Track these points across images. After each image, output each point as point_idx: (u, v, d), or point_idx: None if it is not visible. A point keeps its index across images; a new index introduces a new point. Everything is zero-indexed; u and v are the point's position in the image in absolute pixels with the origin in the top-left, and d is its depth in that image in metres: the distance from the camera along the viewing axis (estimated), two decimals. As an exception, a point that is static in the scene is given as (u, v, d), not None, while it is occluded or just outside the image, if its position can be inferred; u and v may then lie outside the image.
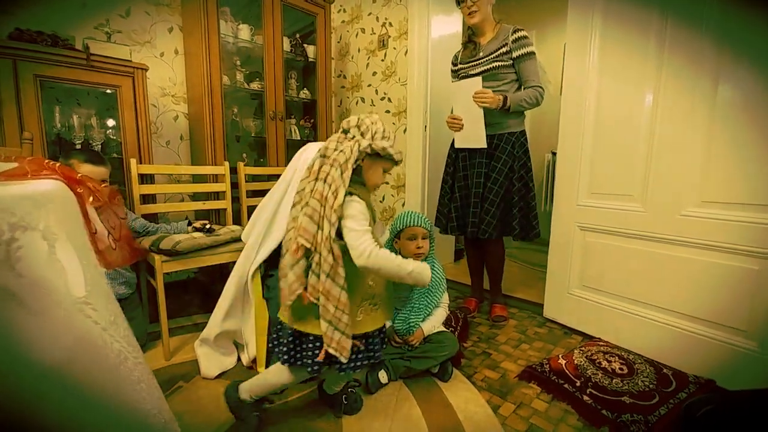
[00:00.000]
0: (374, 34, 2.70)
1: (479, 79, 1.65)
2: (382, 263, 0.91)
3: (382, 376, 1.33)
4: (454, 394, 1.28)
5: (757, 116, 1.19)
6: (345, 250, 0.92)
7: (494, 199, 1.72)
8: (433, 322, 1.46)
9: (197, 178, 2.23)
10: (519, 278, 2.45)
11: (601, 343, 1.55)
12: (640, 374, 1.29)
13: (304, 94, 2.62)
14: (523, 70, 1.68)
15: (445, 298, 1.53)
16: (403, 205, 2.59)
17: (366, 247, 0.91)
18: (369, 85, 2.78)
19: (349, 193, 0.93)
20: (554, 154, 2.68)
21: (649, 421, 1.08)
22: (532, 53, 1.66)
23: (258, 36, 2.31)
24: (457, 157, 1.86)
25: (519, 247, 3.28)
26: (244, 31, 2.30)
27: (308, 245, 0.90)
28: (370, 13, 2.72)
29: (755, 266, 1.22)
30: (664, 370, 1.31)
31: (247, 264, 1.41)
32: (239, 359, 1.46)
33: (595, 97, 1.62)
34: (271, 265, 1.45)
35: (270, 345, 1.29)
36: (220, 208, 2.02)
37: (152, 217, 1.85)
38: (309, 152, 1.45)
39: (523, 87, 1.70)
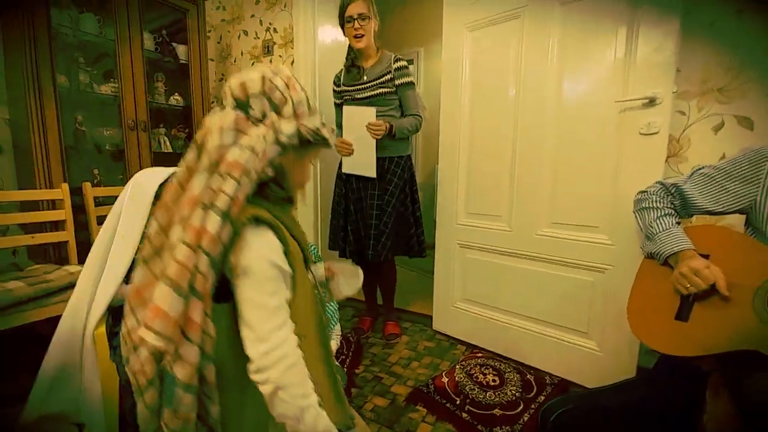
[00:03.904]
0: (258, 38, 2.51)
1: (374, 109, 1.66)
2: (289, 391, 0.54)
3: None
4: (342, 433, 1.24)
5: (586, 155, 1.41)
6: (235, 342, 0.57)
7: (387, 221, 1.74)
8: (323, 356, 1.40)
9: (27, 205, 1.70)
10: (412, 288, 2.53)
11: (479, 355, 1.68)
12: (509, 383, 1.43)
13: (176, 99, 2.30)
14: (404, 99, 1.73)
15: (337, 330, 1.49)
16: (296, 222, 2.47)
17: (275, 345, 0.54)
18: (254, 93, 2.57)
19: (254, 220, 0.57)
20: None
21: (514, 430, 1.19)
22: (412, 83, 1.73)
23: (108, 29, 1.94)
24: (348, 180, 1.83)
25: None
26: (89, 22, 1.90)
27: (162, 345, 0.51)
28: (252, 15, 2.52)
29: (590, 278, 1.44)
30: (528, 376, 1.48)
31: (77, 317, 1.15)
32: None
33: (468, 122, 1.75)
34: (117, 320, 1.22)
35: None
36: (60, 242, 1.64)
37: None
38: (144, 179, 1.24)
39: (404, 114, 1.75)
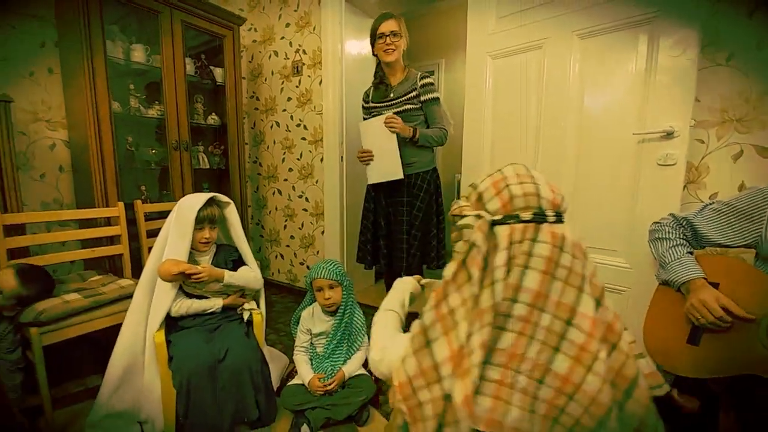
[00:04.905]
0: (288, 59, 2.65)
1: (383, 116, 1.72)
2: None
3: (305, 430, 1.34)
4: (372, 438, 1.35)
5: (605, 183, 1.47)
6: None
7: (416, 233, 1.81)
8: (354, 365, 1.52)
9: (85, 222, 1.87)
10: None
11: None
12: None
13: (213, 119, 2.46)
14: (429, 114, 1.80)
15: (365, 342, 1.60)
16: (323, 233, 2.60)
17: None
18: (284, 110, 2.72)
19: None
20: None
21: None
22: (437, 99, 1.80)
23: (155, 57, 2.11)
24: (378, 195, 1.92)
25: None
26: (138, 52, 2.07)
27: None
28: (282, 37, 2.66)
29: (609, 299, 1.50)
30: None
31: (138, 326, 1.31)
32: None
33: (489, 145, 1.83)
34: (169, 330, 1.36)
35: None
36: (115, 255, 1.81)
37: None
38: (186, 204, 1.39)
39: (430, 127, 1.83)
